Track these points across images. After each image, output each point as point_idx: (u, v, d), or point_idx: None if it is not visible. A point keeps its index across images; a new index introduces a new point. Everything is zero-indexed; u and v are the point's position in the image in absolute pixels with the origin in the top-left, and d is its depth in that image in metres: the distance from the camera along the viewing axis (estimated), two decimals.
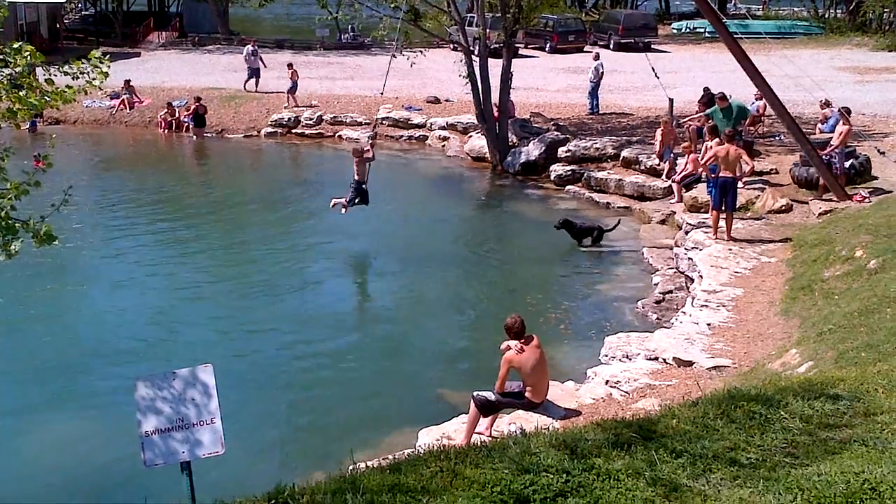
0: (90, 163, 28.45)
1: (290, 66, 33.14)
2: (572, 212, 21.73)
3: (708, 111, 20.43)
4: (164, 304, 16.27)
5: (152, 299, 16.59)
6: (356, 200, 18.83)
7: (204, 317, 15.73)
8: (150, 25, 53.53)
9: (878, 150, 18.85)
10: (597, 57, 30.45)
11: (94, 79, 7.22)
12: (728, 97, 20.42)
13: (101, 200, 23.33)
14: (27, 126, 29.00)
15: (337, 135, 30.96)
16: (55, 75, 7.42)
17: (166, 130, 32.14)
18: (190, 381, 7.16)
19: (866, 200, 17.63)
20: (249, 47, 35.38)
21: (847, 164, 19.03)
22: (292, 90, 32.61)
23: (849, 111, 19.69)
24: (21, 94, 7.01)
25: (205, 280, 17.72)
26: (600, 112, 29.75)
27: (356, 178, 18.83)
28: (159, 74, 38.89)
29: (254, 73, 34.79)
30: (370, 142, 20.41)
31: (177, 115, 32.31)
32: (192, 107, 31.55)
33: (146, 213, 22.29)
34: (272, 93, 34.23)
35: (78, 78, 7.23)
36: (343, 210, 18.87)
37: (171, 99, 33.55)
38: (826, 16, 59.22)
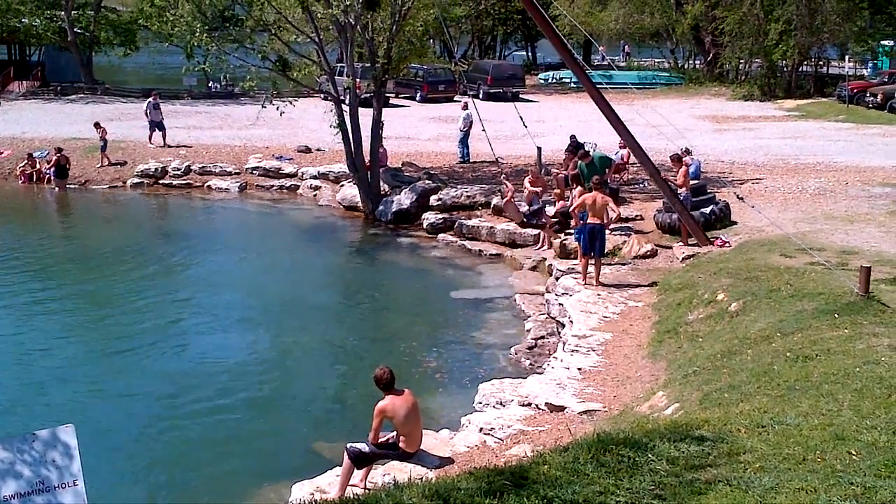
0: None
1: (97, 125, 32.27)
2: (444, 260, 21.89)
3: (578, 164, 20.94)
4: (22, 363, 15.65)
5: (8, 357, 15.91)
6: None
7: (65, 375, 15.14)
8: (9, 75, 51.99)
9: (738, 196, 19.59)
10: (465, 106, 30.85)
11: None
12: (591, 151, 20.94)
13: None
14: None
15: (206, 185, 30.47)
16: None
17: (27, 182, 31.13)
18: (50, 443, 6.92)
19: (727, 245, 18.25)
20: (150, 100, 33.93)
21: (707, 210, 19.70)
22: (103, 148, 31.87)
23: (688, 151, 20.61)
24: None
25: (66, 337, 17.10)
26: (471, 160, 30.12)
27: None
28: (19, 125, 37.70)
29: (156, 126, 33.47)
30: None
31: (38, 166, 31.35)
32: (54, 158, 30.66)
33: (4, 268, 21.45)
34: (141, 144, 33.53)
35: None
36: None
37: (32, 150, 32.54)
38: (686, 66, 61.59)
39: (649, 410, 10.66)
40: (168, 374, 15.21)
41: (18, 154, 32.47)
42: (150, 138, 33.42)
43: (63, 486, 6.84)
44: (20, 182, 31.17)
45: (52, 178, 30.64)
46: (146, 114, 33.84)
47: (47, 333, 17.13)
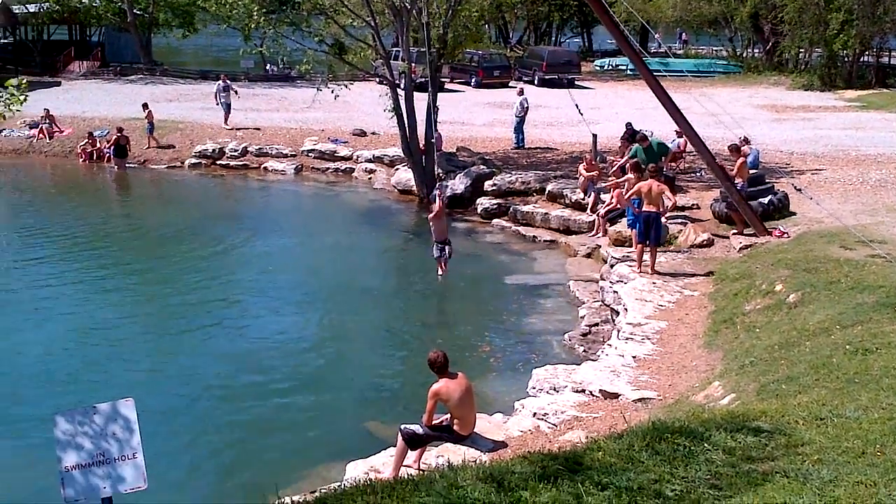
0: (7, 193, 27.85)
1: (145, 106, 32.60)
2: (498, 245, 21.88)
3: (632, 150, 20.76)
4: (84, 338, 15.93)
5: (71, 333, 16.22)
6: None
7: (125, 350, 15.42)
8: (70, 55, 52.76)
9: (796, 188, 19.31)
10: (521, 92, 30.81)
11: (10, 106, 7.08)
12: (649, 136, 20.78)
13: (19, 232, 22.83)
14: None
15: (262, 166, 30.76)
16: None
17: (87, 161, 31.61)
18: (111, 416, 7.02)
19: (785, 235, 18.03)
20: (220, 83, 34.42)
21: (765, 200, 19.48)
22: (150, 130, 32.21)
23: (746, 141, 20.34)
24: None
25: (126, 313, 17.40)
26: (525, 147, 30.04)
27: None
28: (80, 104, 38.31)
29: (228, 108, 33.94)
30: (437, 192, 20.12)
31: (98, 145, 31.82)
32: (114, 137, 31.10)
33: (65, 246, 21.86)
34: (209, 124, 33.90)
35: None
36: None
37: (93, 129, 33.05)
38: (744, 55, 60.75)
39: (705, 400, 10.59)
40: (224, 353, 15.40)
41: (79, 133, 32.99)
42: (225, 120, 33.73)
43: (123, 458, 6.94)
44: (81, 161, 31.68)
45: (112, 157, 31.10)
46: (216, 97, 34.13)
47: (106, 310, 17.41)
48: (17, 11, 51.61)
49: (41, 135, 32.99)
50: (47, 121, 33.23)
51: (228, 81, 34.77)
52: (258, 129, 33.51)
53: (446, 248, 18.85)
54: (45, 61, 51.23)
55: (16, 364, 14.67)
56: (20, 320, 16.86)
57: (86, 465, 6.83)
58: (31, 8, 52.03)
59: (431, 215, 19.02)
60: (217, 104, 34.20)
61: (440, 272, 18.93)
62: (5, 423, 12.60)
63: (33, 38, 54.49)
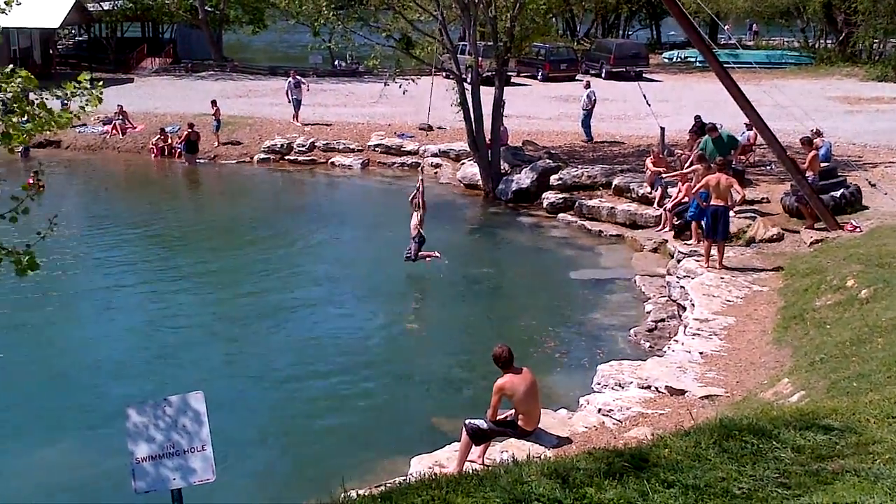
0: (82, 188, 28.45)
1: (213, 103, 32.89)
2: (564, 240, 21.79)
3: (701, 142, 20.52)
4: (155, 330, 16.25)
5: (142, 324, 16.58)
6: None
7: (195, 343, 15.70)
8: (143, 51, 53.71)
9: (869, 182, 18.95)
10: (588, 85, 30.61)
11: (87, 102, 7.22)
12: (718, 127, 20.54)
13: (92, 226, 23.32)
14: (20, 151, 28.98)
15: (329, 161, 31.00)
16: (48, 99, 7.42)
17: (158, 156, 32.16)
18: (181, 408, 7.14)
19: (857, 230, 17.69)
20: (290, 79, 34.67)
21: (837, 193, 19.14)
22: (217, 128, 32.56)
23: (818, 133, 19.96)
24: (14, 119, 7.00)
25: (196, 306, 17.70)
26: (593, 140, 29.84)
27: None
28: (152, 100, 38.98)
29: (298, 104, 34.19)
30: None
31: (169, 140, 32.34)
32: (185, 133, 31.58)
33: (137, 239, 22.30)
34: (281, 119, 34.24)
35: (70, 101, 7.22)
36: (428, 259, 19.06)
37: (164, 125, 33.60)
38: (816, 46, 59.62)
39: (774, 397, 10.45)
40: (290, 346, 15.58)
41: (151, 129, 33.57)
42: (295, 116, 33.99)
43: (192, 450, 7.04)
44: (152, 156, 32.23)
45: (183, 152, 31.57)
46: (287, 93, 34.42)
47: (176, 303, 17.71)
48: (91, 9, 52.66)
49: (114, 131, 33.65)
50: (120, 117, 33.87)
51: (299, 77, 35.01)
52: (329, 124, 33.71)
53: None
54: (119, 58, 52.20)
55: (88, 356, 15.01)
56: (92, 313, 17.27)
57: (156, 457, 6.95)
58: (106, 6, 53.09)
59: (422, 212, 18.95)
60: (288, 101, 34.47)
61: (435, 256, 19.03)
62: (77, 415, 12.90)
63: (107, 36, 55.58)
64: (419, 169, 22.96)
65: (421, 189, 19.44)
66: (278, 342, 15.77)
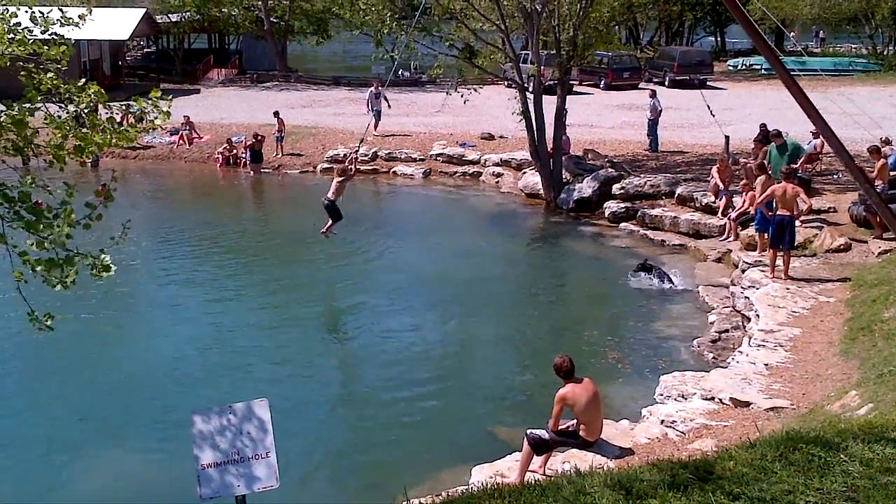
0: (150, 197, 28.95)
1: (276, 114, 33.02)
2: (626, 249, 21.65)
3: (768, 150, 20.29)
4: (219, 338, 16.46)
5: (206, 332, 16.80)
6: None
7: (258, 350, 15.87)
8: (209, 63, 54.54)
9: None
10: (653, 94, 30.37)
11: (155, 118, 7.36)
12: (784, 135, 20.25)
13: (159, 234, 23.72)
14: (90, 162, 29.54)
15: (391, 170, 31.18)
16: (117, 114, 7.58)
17: (224, 166, 32.61)
18: (246, 416, 7.24)
19: None
20: (372, 89, 34.69)
21: None
22: (280, 139, 32.73)
23: (887, 142, 19.60)
24: (85, 131, 7.16)
25: (258, 314, 17.90)
26: (658, 150, 29.59)
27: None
28: (218, 111, 39.56)
29: (375, 114, 34.08)
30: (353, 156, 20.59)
31: (235, 150, 32.75)
32: (250, 143, 31.98)
33: (203, 248, 22.62)
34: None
35: (142, 120, 7.37)
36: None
37: (230, 135, 34.07)
38: (884, 53, 58.57)
39: (841, 410, 10.28)
40: (352, 354, 15.72)
41: (217, 139, 34.05)
42: (375, 127, 33.88)
43: (256, 457, 7.14)
44: (218, 165, 32.68)
45: (248, 162, 31.97)
46: (368, 104, 34.42)
47: (241, 312, 17.94)
48: (160, 21, 53.64)
49: (181, 141, 34.20)
50: (187, 127, 34.42)
51: (381, 88, 35.02)
52: (409, 135, 33.67)
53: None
54: (186, 69, 53.11)
55: (153, 364, 15.24)
56: (159, 320, 17.55)
57: (221, 464, 7.05)
58: (174, 17, 54.03)
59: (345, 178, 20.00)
60: (368, 111, 34.26)
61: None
62: (143, 422, 13.12)
63: (174, 47, 56.53)
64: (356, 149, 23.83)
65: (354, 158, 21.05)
66: (339, 351, 15.92)
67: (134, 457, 12.12)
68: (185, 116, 34.37)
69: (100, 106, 7.41)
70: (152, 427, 12.94)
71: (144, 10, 49.95)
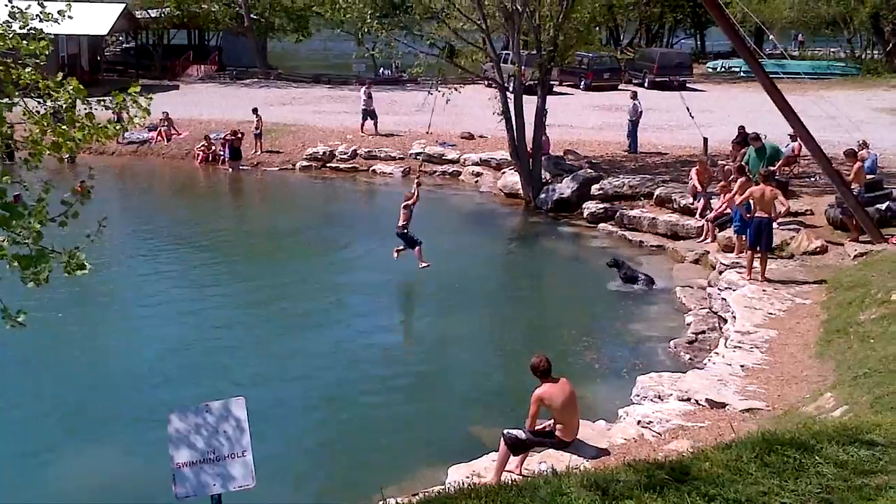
0: (126, 194, 28.79)
1: (255, 111, 32.93)
2: (604, 250, 21.71)
3: (746, 153, 20.40)
4: (196, 336, 16.39)
5: (184, 330, 16.71)
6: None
7: (235, 349, 15.80)
8: (189, 59, 54.33)
9: None
10: (634, 96, 30.43)
11: (134, 116, 7.31)
12: (762, 138, 20.37)
13: (137, 231, 23.60)
14: (67, 157, 29.35)
15: (371, 169, 31.13)
16: (96, 109, 7.52)
17: (202, 162, 32.47)
18: (223, 415, 7.19)
19: None
20: (364, 89, 34.42)
21: (882, 206, 18.92)
22: (259, 136, 32.64)
23: (864, 145, 19.75)
24: (63, 128, 7.10)
25: (236, 312, 17.84)
26: (637, 151, 29.66)
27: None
28: (197, 107, 39.38)
29: (369, 114, 33.80)
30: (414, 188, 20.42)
31: (214, 147, 32.62)
32: (229, 140, 31.86)
33: (181, 245, 22.51)
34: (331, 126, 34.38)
35: (121, 117, 7.32)
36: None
37: (209, 132, 33.91)
38: (863, 57, 58.99)
39: (816, 412, 10.34)
40: (329, 354, 15.64)
41: (195, 135, 33.90)
42: (361, 127, 33.82)
43: (233, 456, 7.09)
44: (197, 162, 32.53)
45: (227, 159, 31.86)
46: (363, 103, 34.08)
47: (217, 310, 17.86)
48: (139, 16, 53.38)
49: (159, 137, 34.04)
50: (166, 123, 34.25)
51: (371, 89, 34.62)
52: (400, 135, 33.47)
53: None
54: (165, 65, 52.92)
55: (130, 363, 15.15)
56: (135, 318, 17.47)
57: (197, 463, 7.00)
58: (153, 13, 53.78)
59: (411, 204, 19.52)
60: (365, 110, 33.99)
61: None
62: (120, 421, 13.04)
63: (154, 43, 56.26)
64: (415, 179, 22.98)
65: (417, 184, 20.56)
66: (317, 349, 15.84)
67: (110, 456, 12.04)
68: (163, 112, 34.18)
69: (78, 101, 7.34)
70: (129, 426, 12.86)
71: (123, 5, 49.70)
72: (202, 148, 32.63)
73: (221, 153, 32.26)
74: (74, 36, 44.46)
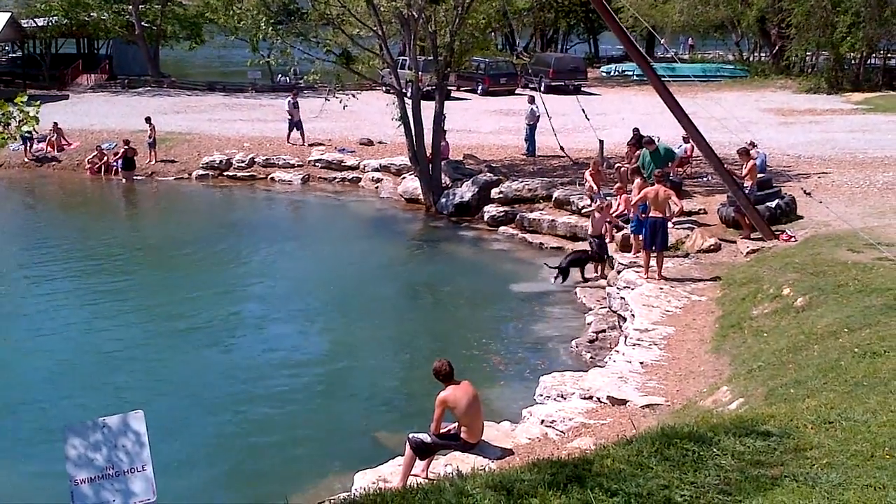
0: (16, 206, 27.95)
1: (148, 119, 32.31)
2: (505, 253, 21.89)
3: (640, 155, 20.76)
4: (91, 351, 15.97)
5: (79, 346, 16.27)
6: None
7: (132, 362, 15.45)
8: (78, 68, 52.98)
9: (804, 191, 19.32)
10: (532, 100, 30.70)
11: (24, 123, 7.11)
12: (656, 140, 20.79)
13: (28, 245, 22.92)
14: None
15: (269, 177, 30.81)
16: None
17: (95, 173, 31.70)
18: (121, 429, 7.02)
19: (792, 239, 18.01)
20: (290, 98, 33.55)
21: (773, 204, 19.46)
22: (152, 145, 32.03)
23: (753, 145, 20.31)
24: None
25: (134, 325, 17.43)
26: (536, 155, 29.94)
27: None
28: (88, 117, 38.43)
29: (295, 125, 33.06)
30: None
31: (106, 158, 31.88)
32: (122, 150, 31.18)
33: (73, 258, 21.91)
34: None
35: (9, 125, 7.11)
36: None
37: (100, 142, 33.13)
38: (750, 59, 60.64)
39: (713, 405, 10.58)
40: (231, 365, 15.42)
41: (86, 146, 33.08)
42: (288, 137, 33.18)
43: (132, 471, 6.93)
44: (89, 173, 31.75)
45: (120, 169, 31.18)
46: (289, 112, 33.33)
47: (114, 323, 17.42)
48: (25, 25, 51.84)
49: (49, 148, 33.12)
50: (55, 134, 33.35)
51: (298, 98, 33.83)
52: (322, 144, 32.91)
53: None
54: (54, 74, 51.48)
55: (24, 378, 14.71)
56: (28, 334, 16.91)
57: (96, 479, 6.82)
58: (40, 22, 52.24)
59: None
60: (291, 120, 33.30)
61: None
62: (15, 438, 12.64)
63: (41, 52, 54.67)
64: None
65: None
66: (217, 361, 15.60)
67: (4, 473, 11.65)
68: (53, 123, 33.27)
69: None
70: (24, 443, 12.48)
71: (9, 14, 48.25)
72: (93, 159, 31.84)
73: (114, 164, 31.54)
74: None
